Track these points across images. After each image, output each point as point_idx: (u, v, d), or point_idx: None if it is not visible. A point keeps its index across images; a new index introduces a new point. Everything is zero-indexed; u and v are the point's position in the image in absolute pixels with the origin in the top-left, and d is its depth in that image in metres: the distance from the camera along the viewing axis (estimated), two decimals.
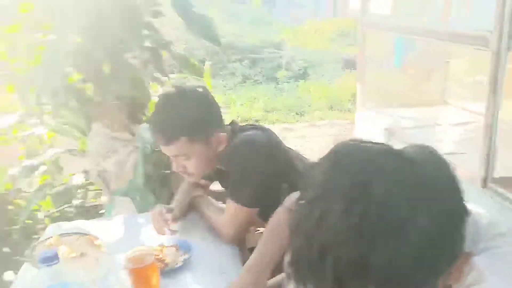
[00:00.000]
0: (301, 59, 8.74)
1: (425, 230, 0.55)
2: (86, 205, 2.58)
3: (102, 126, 1.99)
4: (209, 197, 1.73)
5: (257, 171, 1.44)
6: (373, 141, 0.62)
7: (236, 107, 6.56)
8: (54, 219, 2.40)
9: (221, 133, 1.49)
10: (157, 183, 2.31)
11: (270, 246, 1.17)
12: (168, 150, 1.47)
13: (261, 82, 7.98)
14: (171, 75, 2.12)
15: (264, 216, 1.47)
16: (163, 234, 1.54)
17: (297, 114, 6.43)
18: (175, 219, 1.57)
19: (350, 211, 0.55)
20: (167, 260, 1.37)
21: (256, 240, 2.11)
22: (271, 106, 6.55)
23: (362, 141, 0.63)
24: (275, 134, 1.58)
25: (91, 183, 2.47)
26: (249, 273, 1.13)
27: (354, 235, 0.55)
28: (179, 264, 1.36)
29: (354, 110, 6.58)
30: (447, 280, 0.64)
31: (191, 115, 1.42)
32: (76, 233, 1.54)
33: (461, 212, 0.61)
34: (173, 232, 1.53)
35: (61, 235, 1.53)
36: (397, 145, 0.63)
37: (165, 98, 1.50)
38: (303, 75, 8.28)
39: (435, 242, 0.56)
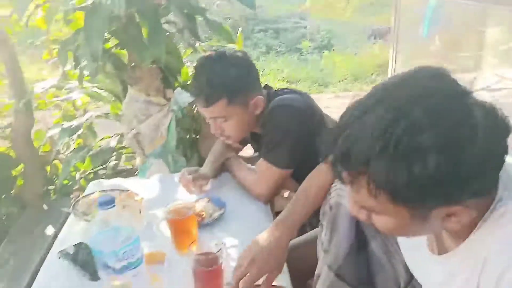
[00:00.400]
0: (326, 30, 8.59)
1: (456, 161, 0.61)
2: (119, 168, 2.70)
3: (137, 90, 2.06)
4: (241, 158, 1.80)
5: (293, 134, 1.48)
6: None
7: (260, 77, 6.54)
8: (89, 180, 2.53)
9: (260, 96, 1.53)
10: (188, 147, 2.40)
11: (300, 206, 1.21)
12: (207, 112, 1.52)
13: (284, 53, 7.90)
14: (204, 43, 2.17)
15: (298, 178, 1.53)
16: (192, 193, 1.61)
17: (320, 85, 6.38)
18: (204, 178, 1.62)
19: (394, 123, 0.62)
20: (203, 214, 1.45)
21: (283, 205, 2.19)
22: (295, 77, 6.51)
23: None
24: (311, 98, 1.60)
25: (124, 146, 2.58)
26: (276, 228, 1.17)
27: (383, 141, 0.62)
28: (214, 218, 1.44)
29: (378, 81, 6.51)
30: (446, 221, 0.69)
31: (231, 77, 1.46)
32: (116, 190, 1.64)
33: (501, 152, 0.66)
34: (202, 190, 1.59)
35: (103, 191, 1.63)
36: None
37: (206, 61, 1.52)
38: (327, 46, 8.14)
39: (438, 178, 0.61)
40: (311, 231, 1.58)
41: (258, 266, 1.06)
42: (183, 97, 2.03)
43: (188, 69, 2.31)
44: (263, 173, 1.55)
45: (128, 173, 2.69)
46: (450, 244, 0.81)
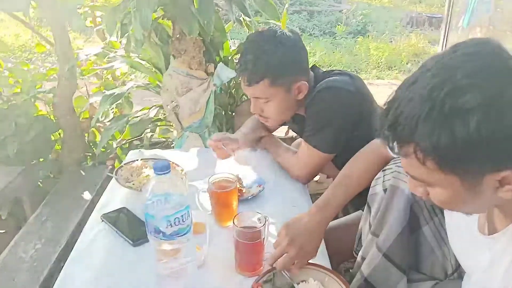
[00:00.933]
0: (362, 14, 8.41)
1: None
2: (153, 139, 2.74)
3: (180, 63, 2.06)
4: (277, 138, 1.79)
5: (339, 118, 1.44)
6: None
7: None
8: (124, 150, 2.57)
9: (304, 82, 1.49)
10: (223, 123, 2.41)
11: (342, 191, 1.20)
12: (249, 90, 1.50)
13: (317, 36, 7.78)
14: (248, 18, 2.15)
15: (337, 163, 1.51)
16: (225, 157, 1.59)
17: (353, 71, 6.29)
18: (233, 142, 1.59)
19: (438, 87, 0.64)
20: (243, 190, 1.46)
21: (316, 188, 2.18)
22: (327, 61, 6.40)
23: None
24: (363, 81, 1.55)
25: (160, 119, 2.61)
26: (317, 212, 1.16)
27: (429, 106, 0.64)
28: (254, 194, 1.45)
29: (413, 71, 6.36)
30: (500, 190, 0.68)
31: (277, 59, 1.42)
32: (158, 159, 1.66)
33: None
34: (231, 152, 1.56)
35: (144, 159, 1.66)
36: None
37: (256, 38, 1.48)
38: (362, 31, 7.98)
39: (479, 139, 0.62)
40: (349, 215, 1.58)
41: (297, 248, 1.05)
42: (225, 72, 2.02)
43: (230, 44, 2.30)
44: (305, 155, 1.52)
45: (162, 145, 2.73)
46: (499, 225, 0.80)
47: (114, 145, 2.46)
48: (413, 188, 0.81)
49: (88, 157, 2.52)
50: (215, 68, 2.17)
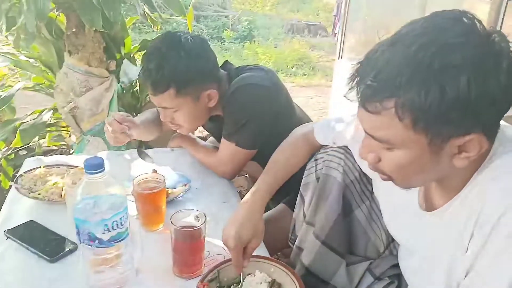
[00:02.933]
0: (247, 21, 8.65)
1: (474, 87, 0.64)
2: (44, 147, 2.44)
3: (77, 60, 1.87)
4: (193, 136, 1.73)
5: (258, 113, 1.42)
6: None
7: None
8: (10, 161, 2.25)
9: (213, 90, 1.43)
10: None
11: (269, 175, 1.19)
12: (155, 100, 1.41)
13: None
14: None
15: (262, 161, 1.49)
16: (123, 142, 1.48)
17: None
18: (134, 124, 1.48)
19: (426, 45, 0.65)
20: (169, 190, 1.37)
21: (239, 183, 2.16)
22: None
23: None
24: (276, 75, 1.54)
25: (49, 124, 2.34)
26: (247, 198, 1.13)
27: (415, 63, 0.65)
28: (181, 194, 1.37)
29: (298, 74, 6.74)
30: (456, 157, 0.72)
31: (182, 68, 1.33)
32: (63, 165, 1.49)
33: None
34: (131, 136, 1.45)
35: (47, 166, 1.47)
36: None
37: (158, 45, 1.38)
38: (248, 37, 8.21)
39: (468, 98, 0.64)
40: (273, 209, 1.58)
41: (233, 237, 1.01)
42: (132, 70, 1.89)
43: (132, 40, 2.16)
44: (227, 153, 1.48)
45: (55, 153, 2.45)
46: (439, 201, 0.85)
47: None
48: (364, 154, 0.81)
49: None
50: (117, 65, 2.02)
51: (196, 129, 1.63)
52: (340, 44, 3.30)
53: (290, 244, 1.27)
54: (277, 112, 1.47)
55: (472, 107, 0.65)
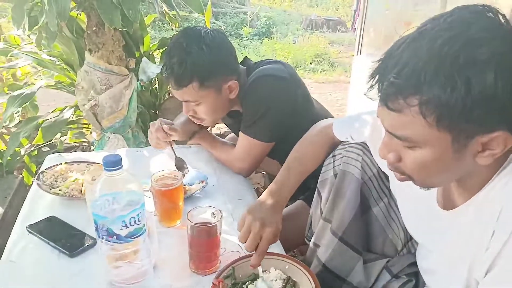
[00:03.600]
0: (265, 17, 8.64)
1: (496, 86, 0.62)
2: (66, 144, 2.50)
3: (98, 58, 1.90)
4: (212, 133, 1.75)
5: (276, 104, 1.43)
6: None
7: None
8: (33, 158, 2.31)
9: (235, 81, 1.45)
10: (147, 123, 2.28)
11: (292, 175, 1.19)
12: (178, 94, 1.43)
13: None
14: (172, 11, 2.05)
15: (281, 156, 1.49)
16: (162, 148, 1.55)
17: None
18: (176, 132, 1.54)
19: (451, 40, 0.63)
20: (186, 187, 1.39)
21: (256, 181, 2.17)
22: None
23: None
24: (294, 69, 1.55)
25: (71, 121, 2.38)
26: (269, 197, 1.14)
27: (439, 59, 0.63)
28: (198, 191, 1.39)
29: (317, 70, 6.69)
30: (479, 155, 0.70)
31: (204, 61, 1.36)
32: (83, 162, 1.52)
33: None
34: (172, 143, 1.52)
35: (68, 163, 1.50)
36: None
37: (180, 39, 1.39)
38: (267, 33, 8.21)
39: (494, 94, 0.62)
40: (294, 203, 1.58)
41: (258, 222, 1.02)
42: (151, 67, 1.91)
43: (150, 38, 2.19)
44: (245, 147, 1.50)
45: (77, 150, 2.50)
46: (458, 199, 0.83)
47: (22, 152, 2.19)
48: (384, 154, 0.80)
49: None
50: (136, 63, 2.05)
51: (217, 122, 1.64)
52: (359, 40, 3.25)
53: (307, 241, 1.27)
54: (295, 104, 1.47)
55: (499, 104, 0.63)
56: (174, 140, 1.57)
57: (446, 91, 0.63)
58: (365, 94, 0.76)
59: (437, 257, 0.93)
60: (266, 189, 1.18)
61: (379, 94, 0.71)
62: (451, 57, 0.62)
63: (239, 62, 1.56)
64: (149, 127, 1.59)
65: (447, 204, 0.87)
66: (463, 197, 0.82)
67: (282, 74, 1.45)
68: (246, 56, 1.63)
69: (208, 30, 1.41)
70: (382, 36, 4.27)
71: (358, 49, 3.19)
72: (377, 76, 0.71)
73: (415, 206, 0.97)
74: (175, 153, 1.50)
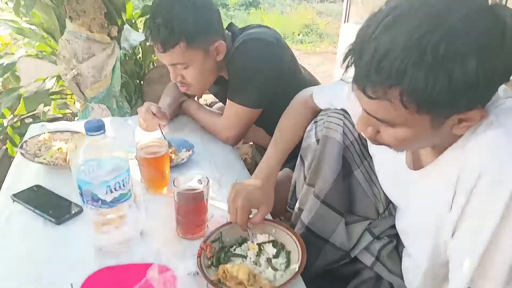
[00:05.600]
0: None
1: (474, 70, 0.62)
2: (49, 115, 2.46)
3: (79, 25, 1.85)
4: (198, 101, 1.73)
5: (263, 70, 1.41)
6: None
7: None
8: (16, 129, 2.27)
9: (222, 41, 1.42)
10: (132, 93, 2.25)
11: (279, 146, 1.21)
12: (166, 58, 1.39)
13: None
14: None
15: (269, 125, 1.49)
16: (152, 130, 1.52)
17: None
18: (165, 117, 1.53)
19: (431, 31, 0.61)
20: (173, 155, 1.38)
21: (244, 151, 2.17)
22: None
23: None
24: (280, 34, 1.52)
25: (54, 92, 2.33)
26: (260, 170, 1.17)
27: (419, 51, 0.62)
28: (185, 159, 1.38)
29: (305, 41, 6.63)
30: (456, 127, 0.71)
31: (190, 20, 1.33)
32: (67, 131, 1.49)
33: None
34: (163, 127, 1.51)
35: (51, 132, 1.48)
36: None
37: (164, 0, 1.36)
38: (254, 3, 8.07)
39: (476, 82, 0.62)
40: (281, 171, 1.59)
41: (243, 197, 1.04)
42: (133, 35, 1.87)
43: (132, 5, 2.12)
44: (232, 114, 1.48)
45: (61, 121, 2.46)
46: (426, 160, 0.85)
47: (5, 124, 2.15)
48: (362, 128, 0.81)
49: None
50: (118, 31, 2.00)
51: (205, 88, 1.61)
52: (346, 7, 3.21)
53: (289, 209, 1.29)
54: (281, 69, 1.46)
55: (480, 89, 0.64)
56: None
57: (428, 83, 0.63)
58: (341, 79, 0.75)
59: (409, 218, 0.96)
60: (259, 164, 1.20)
61: (356, 79, 0.70)
62: (431, 48, 0.61)
63: (227, 28, 1.53)
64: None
65: (416, 164, 0.89)
66: (431, 157, 0.83)
67: (269, 38, 1.43)
68: (231, 22, 1.59)
69: None
70: (370, 6, 4.20)
71: (345, 17, 3.16)
72: (352, 59, 0.70)
73: (389, 167, 1.00)
74: (164, 137, 1.48)
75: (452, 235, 0.76)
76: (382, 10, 0.69)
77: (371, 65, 0.66)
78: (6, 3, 1.93)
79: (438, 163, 0.80)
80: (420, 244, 0.89)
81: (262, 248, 1.01)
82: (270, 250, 1.00)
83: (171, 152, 1.36)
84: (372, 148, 1.07)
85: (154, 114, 1.49)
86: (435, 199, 0.81)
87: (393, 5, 0.68)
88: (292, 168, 1.53)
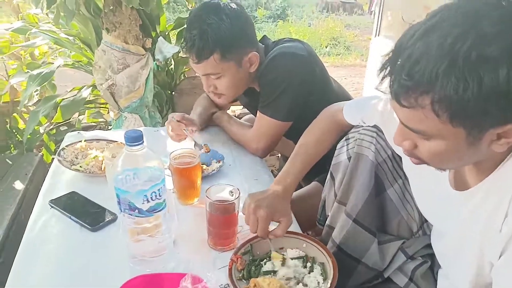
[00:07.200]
0: None
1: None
2: (84, 124, 2.53)
3: (115, 37, 1.91)
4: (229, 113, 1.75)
5: (294, 83, 1.42)
6: None
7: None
8: (52, 136, 2.35)
9: (255, 53, 1.44)
10: (163, 103, 2.29)
11: (299, 161, 1.20)
12: (199, 68, 1.42)
13: None
14: None
15: (292, 134, 1.50)
16: (182, 139, 1.55)
17: None
18: (192, 122, 1.55)
19: (462, 37, 0.61)
20: (203, 166, 1.40)
21: (271, 163, 2.17)
22: None
23: None
24: (312, 48, 1.53)
25: (89, 101, 2.41)
26: (278, 184, 1.15)
27: (451, 56, 0.61)
28: (215, 170, 1.40)
29: (332, 53, 6.62)
30: (494, 143, 0.69)
31: (224, 32, 1.35)
32: (103, 139, 1.54)
33: None
34: (191, 134, 1.52)
35: (88, 140, 1.52)
36: None
37: (200, 12, 1.39)
38: (282, 16, 8.13)
39: (507, 90, 0.61)
40: (303, 188, 1.59)
41: (264, 208, 1.03)
42: (167, 47, 1.91)
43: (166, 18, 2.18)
44: (262, 126, 1.49)
45: (94, 129, 2.53)
46: (471, 181, 0.83)
47: (41, 131, 2.23)
48: (399, 142, 0.80)
49: (12, 145, 2.25)
50: (152, 43, 2.05)
51: (235, 98, 1.63)
52: (378, 21, 3.20)
53: (318, 225, 1.28)
54: (312, 82, 1.46)
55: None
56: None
57: (458, 90, 0.62)
58: (376, 88, 0.75)
59: (449, 239, 0.93)
60: (277, 177, 1.19)
61: (390, 88, 0.70)
62: (462, 55, 0.61)
63: (260, 40, 1.55)
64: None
65: (460, 185, 0.87)
66: (476, 178, 0.81)
67: (301, 52, 1.44)
68: (265, 35, 1.62)
69: (227, 2, 1.41)
70: (400, 19, 4.20)
71: (376, 30, 3.14)
72: (388, 69, 0.70)
73: (427, 186, 0.97)
74: (194, 140, 1.50)
75: (500, 256, 0.75)
76: (420, 21, 0.69)
77: (404, 71, 0.66)
78: (47, 14, 2.01)
79: (486, 185, 0.79)
80: (462, 265, 0.87)
81: (285, 257, 1.01)
82: (301, 269, 0.99)
83: (204, 146, 1.45)
84: (409, 167, 1.06)
85: (178, 121, 1.51)
86: (481, 220, 0.79)
87: (431, 15, 0.68)
88: (321, 182, 1.53)
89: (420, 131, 0.72)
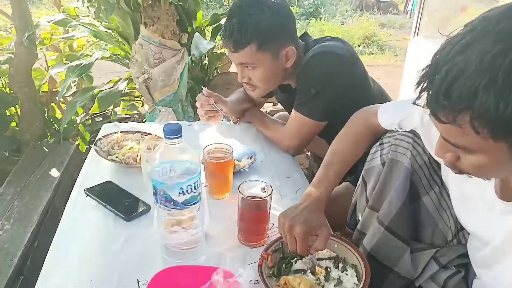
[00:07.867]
0: None
1: None
2: (118, 116, 2.59)
3: (152, 32, 1.94)
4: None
5: (332, 84, 1.40)
6: None
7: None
8: (87, 126, 2.41)
9: (292, 47, 1.43)
10: (196, 97, 2.32)
11: (332, 169, 1.17)
12: (236, 57, 1.42)
13: None
14: None
15: (331, 136, 1.48)
16: (209, 120, 1.58)
17: None
18: (220, 98, 1.57)
19: (503, 53, 0.59)
20: (235, 161, 1.41)
21: (300, 161, 2.16)
22: None
23: None
24: (353, 48, 1.51)
25: (124, 93, 2.46)
26: (310, 194, 1.12)
27: (491, 73, 0.60)
28: (247, 166, 1.40)
29: (365, 53, 6.52)
30: None
31: (263, 23, 1.35)
32: (137, 132, 1.57)
33: None
34: (220, 109, 1.55)
35: (124, 132, 1.55)
36: None
37: (241, 3, 1.39)
38: (314, 14, 8.07)
39: None
40: (340, 185, 1.57)
41: (300, 225, 1.00)
42: (202, 43, 1.93)
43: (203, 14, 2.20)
44: (296, 124, 1.49)
45: (129, 121, 2.59)
46: None
47: (78, 121, 2.29)
48: (441, 154, 0.78)
49: (49, 133, 2.33)
50: (188, 38, 2.08)
51: (268, 93, 1.62)
52: (417, 20, 3.13)
53: (348, 229, 1.26)
54: (351, 83, 1.44)
55: None
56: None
57: (498, 108, 0.60)
58: (413, 103, 0.74)
59: (491, 250, 0.89)
60: (307, 190, 1.15)
61: (428, 104, 0.69)
62: (503, 72, 0.59)
63: (298, 37, 1.54)
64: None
65: (506, 194, 0.84)
66: None
67: (341, 52, 1.42)
68: (306, 32, 1.60)
69: None
70: (438, 19, 4.10)
71: (415, 30, 3.07)
72: (426, 83, 0.68)
73: (469, 195, 0.94)
74: (221, 112, 1.55)
75: None
76: (459, 33, 0.67)
77: (442, 88, 0.65)
78: (88, 7, 2.06)
79: None
80: (503, 276, 0.84)
81: (329, 270, 0.99)
82: (335, 273, 0.98)
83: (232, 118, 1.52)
84: (448, 175, 1.03)
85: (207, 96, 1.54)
86: None
87: (469, 28, 0.66)
88: (353, 182, 1.51)
89: (461, 146, 0.71)
